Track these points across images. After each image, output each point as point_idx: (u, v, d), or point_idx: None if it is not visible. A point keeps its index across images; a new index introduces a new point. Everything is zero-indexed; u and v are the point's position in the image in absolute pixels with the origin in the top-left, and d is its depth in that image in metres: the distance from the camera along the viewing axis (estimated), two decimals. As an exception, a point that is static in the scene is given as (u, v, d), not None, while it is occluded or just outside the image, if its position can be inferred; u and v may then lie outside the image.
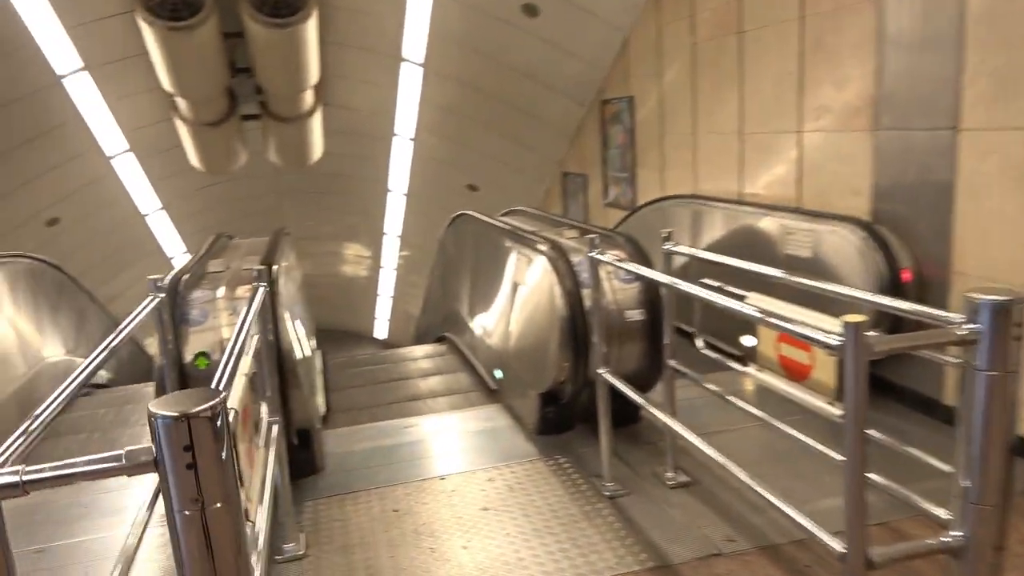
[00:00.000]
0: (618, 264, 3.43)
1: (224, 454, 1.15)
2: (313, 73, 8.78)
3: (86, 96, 8.86)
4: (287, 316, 3.82)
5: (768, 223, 5.13)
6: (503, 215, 6.46)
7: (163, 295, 2.92)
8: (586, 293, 3.86)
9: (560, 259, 4.01)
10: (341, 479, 3.89)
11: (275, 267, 3.72)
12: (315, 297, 20.76)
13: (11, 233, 9.92)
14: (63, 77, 8.42)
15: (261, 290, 3.00)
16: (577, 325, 3.87)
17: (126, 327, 2.55)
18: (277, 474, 2.58)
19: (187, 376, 3.26)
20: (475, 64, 9.11)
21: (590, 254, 3.48)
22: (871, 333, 1.66)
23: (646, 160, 7.69)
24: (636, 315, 3.94)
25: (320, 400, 4.98)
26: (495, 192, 11.70)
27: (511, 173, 10.97)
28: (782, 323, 2.00)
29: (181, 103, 8.87)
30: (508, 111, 9.72)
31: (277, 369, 3.44)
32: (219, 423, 1.14)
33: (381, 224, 14.69)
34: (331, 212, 14.60)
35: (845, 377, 1.69)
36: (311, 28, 8.02)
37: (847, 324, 1.65)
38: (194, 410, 1.12)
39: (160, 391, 3.08)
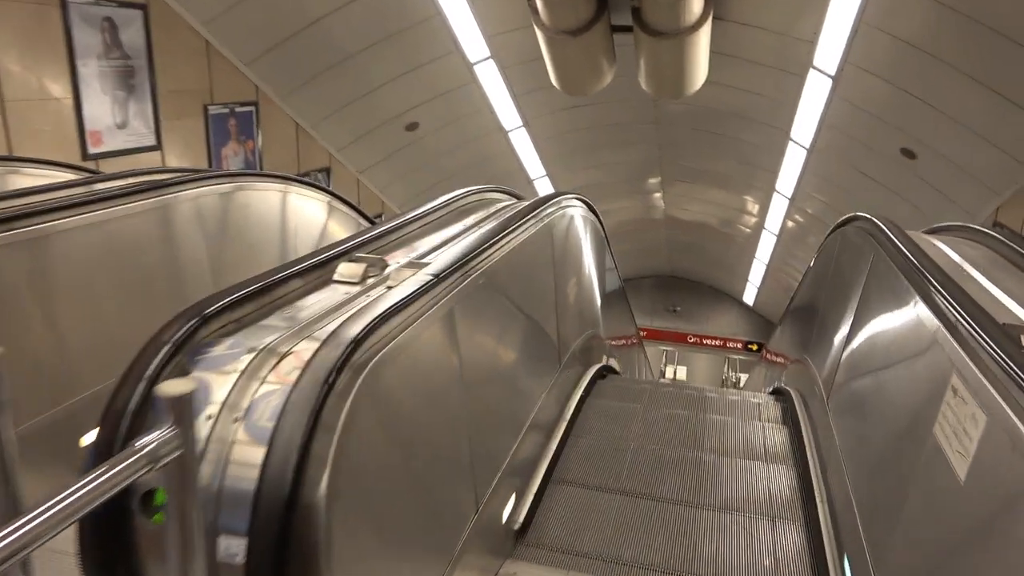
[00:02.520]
0: None
1: None
2: (704, -30, 6.39)
3: (448, -11, 7.82)
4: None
5: None
6: (932, 231, 3.53)
7: None
8: None
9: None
10: None
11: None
12: (682, 245, 18.75)
13: (371, 133, 9.71)
14: (424, -35, 7.43)
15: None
16: None
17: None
18: None
19: (128, 533, 1.52)
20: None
21: None
22: None
23: None
24: None
25: (520, 498, 3.04)
26: (943, 167, 8.06)
27: (977, 141, 7.26)
28: None
29: (539, 4, 7.27)
30: (1000, 44, 6.10)
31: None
32: None
33: (772, 179, 11.81)
34: (713, 155, 12.14)
35: None
36: (708, -100, 5.60)
37: None
38: None
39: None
